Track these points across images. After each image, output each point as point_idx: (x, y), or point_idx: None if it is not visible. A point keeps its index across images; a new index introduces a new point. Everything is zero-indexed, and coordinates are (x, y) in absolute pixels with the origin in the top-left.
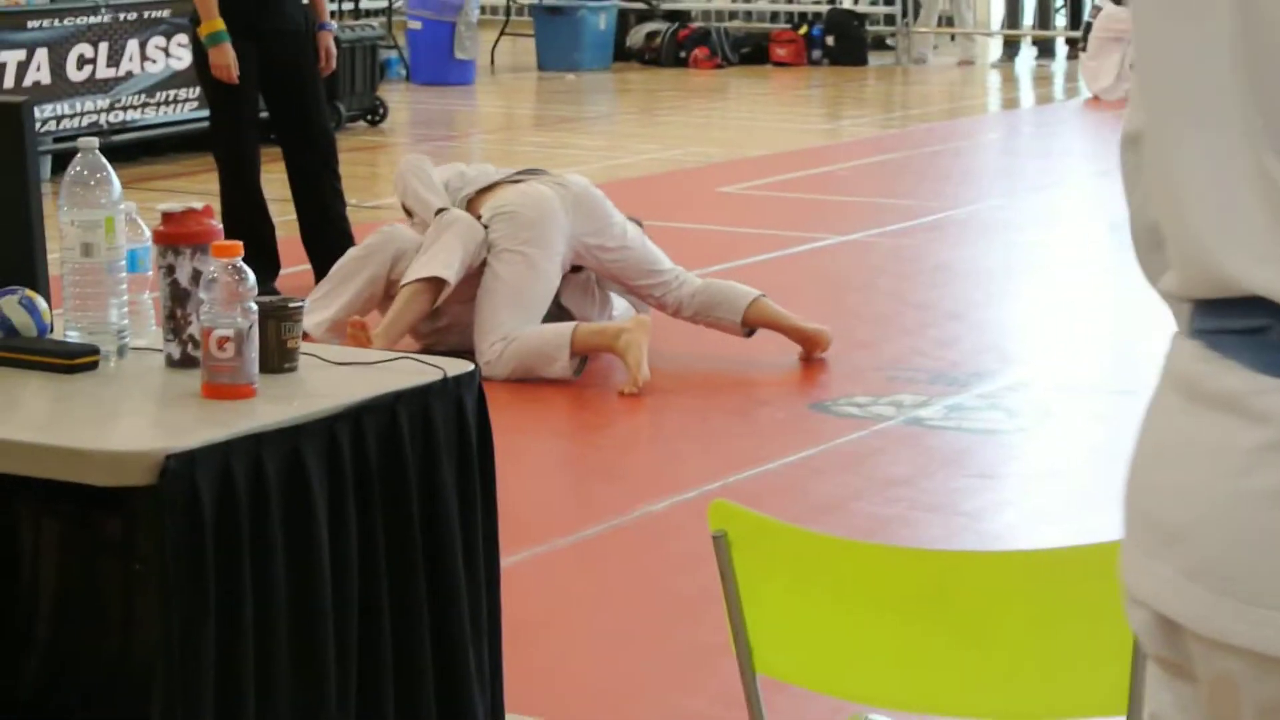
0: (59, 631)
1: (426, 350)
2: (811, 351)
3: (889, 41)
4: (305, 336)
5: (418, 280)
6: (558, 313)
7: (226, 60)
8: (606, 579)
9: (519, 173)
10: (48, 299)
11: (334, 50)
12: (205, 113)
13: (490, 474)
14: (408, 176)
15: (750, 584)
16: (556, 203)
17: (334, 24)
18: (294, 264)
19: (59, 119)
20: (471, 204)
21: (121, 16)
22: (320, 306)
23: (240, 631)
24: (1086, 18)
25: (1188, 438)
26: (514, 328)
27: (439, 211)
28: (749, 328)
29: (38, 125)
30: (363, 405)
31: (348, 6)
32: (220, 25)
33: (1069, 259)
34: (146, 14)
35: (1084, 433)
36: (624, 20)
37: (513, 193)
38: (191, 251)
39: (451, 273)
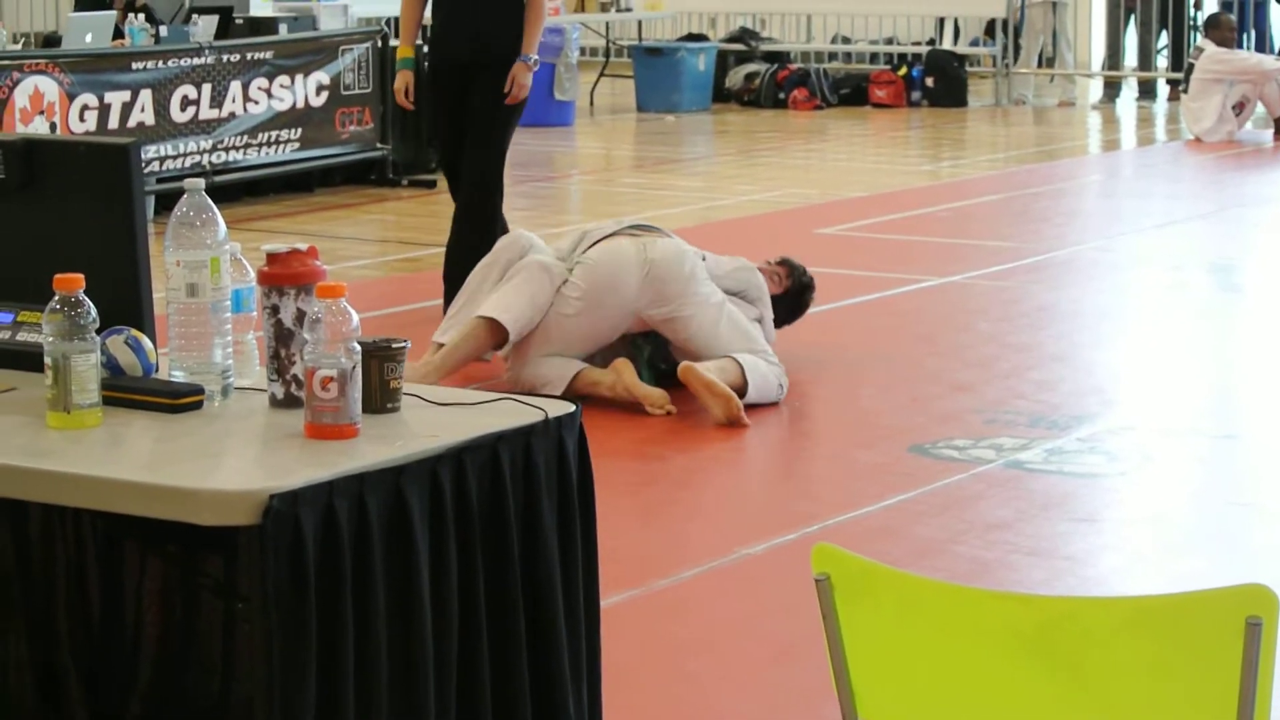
0: (162, 670)
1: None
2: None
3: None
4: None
5: (484, 317)
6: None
7: (398, 86)
8: (705, 621)
9: (633, 226)
10: (153, 339)
11: (524, 82)
12: (306, 154)
13: (591, 515)
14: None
15: (853, 627)
16: (632, 267)
17: (533, 57)
18: (394, 304)
19: (162, 159)
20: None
21: (225, 58)
22: (450, 325)
23: (341, 670)
24: (1188, 59)
25: None
26: (545, 355)
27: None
28: None
29: (142, 166)
30: (464, 446)
31: None
32: (406, 53)
33: (1170, 301)
34: (249, 55)
35: (1185, 477)
36: (723, 61)
37: (603, 248)
38: (296, 292)
39: (509, 318)
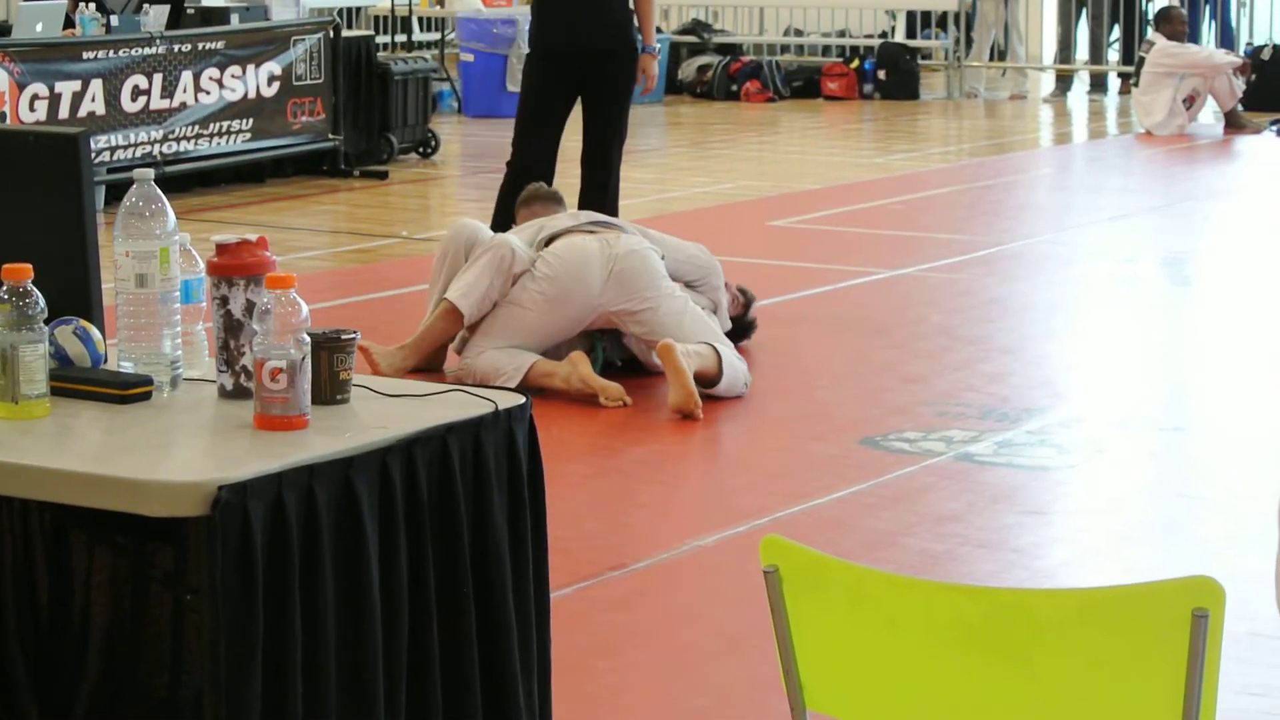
0: (110, 662)
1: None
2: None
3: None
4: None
5: (446, 300)
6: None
7: None
8: (656, 613)
9: (593, 223)
10: (102, 329)
11: (654, 73)
12: (257, 144)
13: (540, 506)
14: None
15: (801, 619)
16: (596, 264)
17: (657, 46)
18: (345, 295)
19: (113, 149)
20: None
21: (176, 48)
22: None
23: (289, 661)
24: (1139, 53)
25: None
26: (501, 346)
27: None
28: None
29: (92, 156)
30: (414, 437)
31: (400, 39)
32: None
33: (1121, 294)
34: (201, 45)
35: (1135, 469)
36: (676, 53)
37: (567, 243)
38: (245, 283)
39: (468, 303)
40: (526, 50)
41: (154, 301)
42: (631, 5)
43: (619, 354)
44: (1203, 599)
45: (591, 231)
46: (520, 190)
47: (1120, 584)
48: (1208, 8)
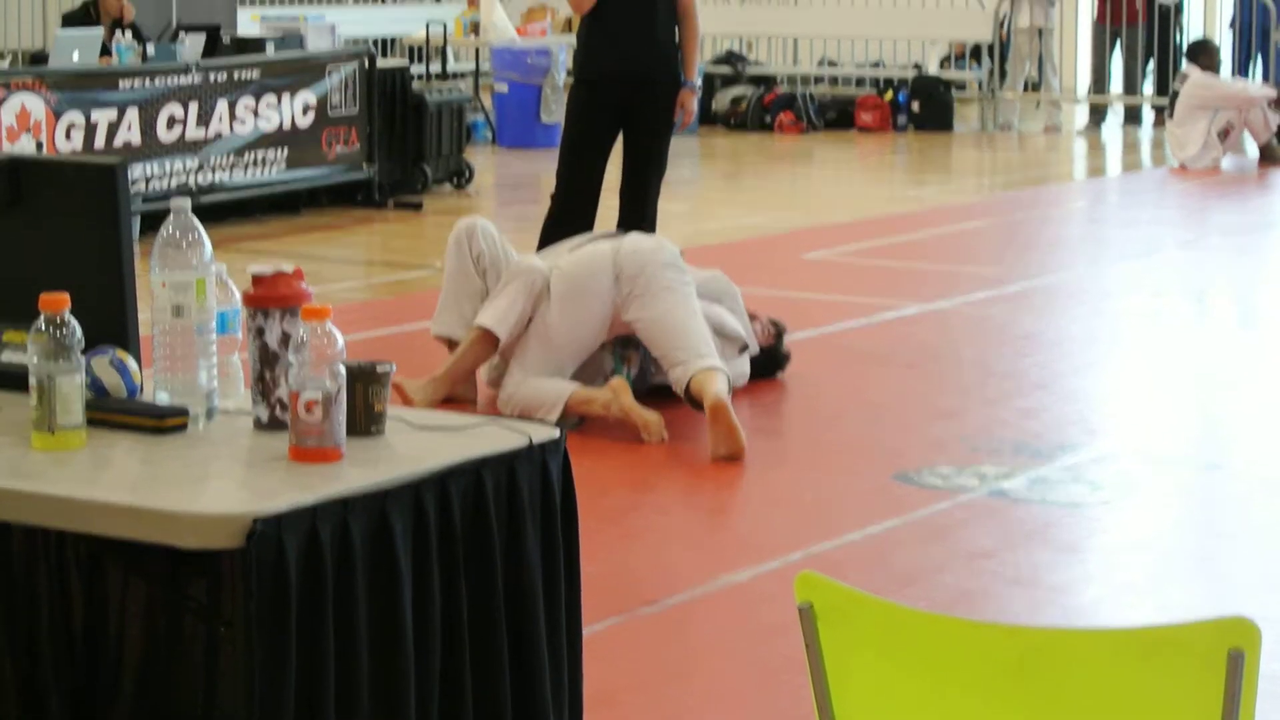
0: (144, 693)
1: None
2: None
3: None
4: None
5: (479, 327)
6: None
7: None
8: (688, 648)
9: (607, 234)
10: (138, 360)
11: (692, 109)
12: (292, 174)
13: (574, 540)
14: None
15: (835, 655)
16: (607, 263)
17: (698, 83)
18: (380, 326)
19: (148, 179)
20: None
21: (211, 77)
22: (441, 314)
23: (322, 695)
24: (1173, 85)
25: None
26: (537, 371)
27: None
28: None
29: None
30: (449, 470)
31: (435, 69)
32: None
33: (1154, 329)
34: (236, 75)
35: (1169, 506)
36: (709, 84)
37: (578, 254)
38: (281, 314)
39: (505, 328)
40: (561, 81)
41: (190, 332)
42: (677, 40)
43: (644, 383)
44: (1239, 639)
45: (608, 237)
46: (564, 223)
47: (1155, 623)
48: (1259, 50)
